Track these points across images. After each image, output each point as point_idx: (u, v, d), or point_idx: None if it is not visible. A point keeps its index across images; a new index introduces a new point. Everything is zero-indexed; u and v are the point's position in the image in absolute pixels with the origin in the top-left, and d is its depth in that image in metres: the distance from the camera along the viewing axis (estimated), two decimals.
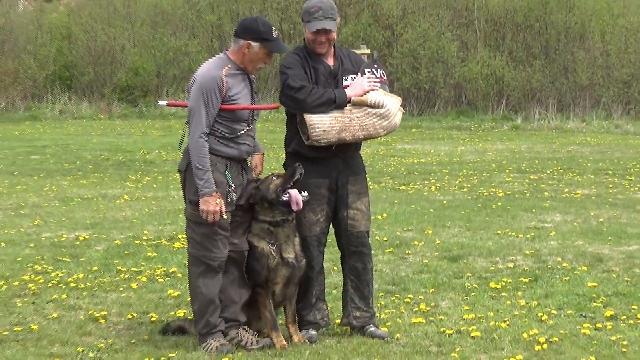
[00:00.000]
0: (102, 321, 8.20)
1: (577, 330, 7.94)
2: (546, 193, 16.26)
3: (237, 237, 7.46)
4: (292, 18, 36.16)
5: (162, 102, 8.98)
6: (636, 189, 16.86)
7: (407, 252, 11.18)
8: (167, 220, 13.11)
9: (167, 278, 9.80)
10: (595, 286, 9.41)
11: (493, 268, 10.36)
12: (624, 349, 7.37)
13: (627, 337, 7.66)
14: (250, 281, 7.53)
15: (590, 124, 31.89)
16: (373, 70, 7.48)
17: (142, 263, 10.41)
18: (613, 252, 11.15)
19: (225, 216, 7.14)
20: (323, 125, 7.21)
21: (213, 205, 7.03)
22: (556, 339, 7.61)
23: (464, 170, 19.41)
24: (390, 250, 11.23)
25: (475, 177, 18.39)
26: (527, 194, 16.19)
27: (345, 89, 7.35)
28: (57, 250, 11.05)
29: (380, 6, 36.37)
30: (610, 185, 17.26)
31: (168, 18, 36.71)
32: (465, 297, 9.15)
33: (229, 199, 7.22)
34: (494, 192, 16.28)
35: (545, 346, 7.49)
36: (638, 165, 20.35)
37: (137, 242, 11.46)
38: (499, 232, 12.42)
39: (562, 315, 8.46)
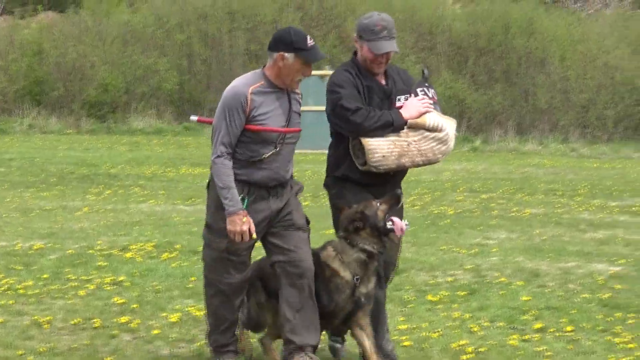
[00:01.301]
0: (47, 326, 8.27)
1: (505, 341, 8.13)
2: (495, 212, 16.40)
3: (289, 245, 6.84)
4: (260, 39, 36.28)
5: (193, 118, 8.65)
6: (582, 209, 17.03)
7: None
8: (122, 232, 13.15)
9: (115, 286, 9.86)
10: (528, 300, 9.63)
11: (433, 282, 10.51)
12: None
13: (553, 348, 7.86)
14: (320, 313, 6.84)
15: (548, 147, 32.07)
16: (425, 89, 6.90)
17: (92, 272, 10.46)
18: (551, 268, 11.33)
19: (254, 236, 6.58)
20: (382, 150, 6.62)
21: (239, 224, 6.48)
22: (483, 349, 7.81)
23: (419, 189, 19.43)
24: None
25: (428, 196, 18.47)
26: (477, 212, 16.35)
27: (400, 111, 6.79)
28: (10, 258, 11.12)
29: (346, 28, 36.56)
30: (558, 205, 17.46)
31: (138, 36, 36.63)
32: (402, 309, 9.24)
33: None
34: (444, 210, 16.39)
35: (472, 355, 7.64)
36: (587, 187, 20.57)
37: (90, 251, 11.53)
38: (443, 247, 12.58)
39: (493, 327, 8.62)
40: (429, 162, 6.83)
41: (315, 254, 6.81)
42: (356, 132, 6.67)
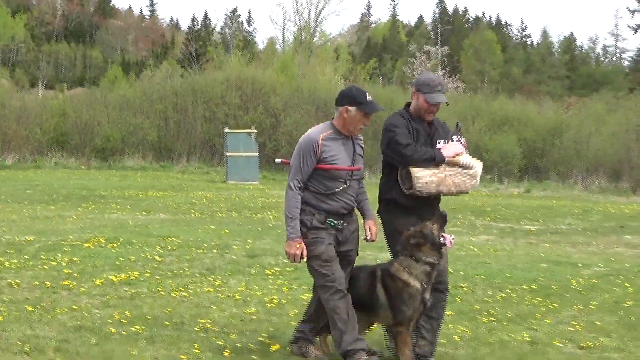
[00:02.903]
0: (16, 286, 8.33)
1: (300, 296, 8.46)
2: None
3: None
4: (212, 108, 36.60)
5: (277, 161, 7.56)
6: None
7: (226, 252, 11.42)
8: (89, 231, 13.07)
9: (70, 263, 9.85)
10: None
11: (274, 262, 10.67)
12: None
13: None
14: (393, 319, 5.82)
15: None
16: (458, 137, 6.20)
17: (58, 255, 10.48)
18: None
19: (304, 260, 5.78)
20: (425, 178, 5.91)
21: (294, 249, 5.73)
22: (284, 302, 8.16)
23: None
24: (216, 250, 11.46)
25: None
26: None
27: (441, 150, 6.06)
28: (9, 246, 11.13)
29: (269, 102, 37.04)
30: None
31: (130, 105, 36.94)
32: (248, 278, 9.48)
33: (336, 239, 5.86)
34: None
35: (274, 305, 7.92)
36: None
37: (62, 242, 11.49)
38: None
39: (299, 289, 8.83)
40: (461, 192, 6.11)
41: (385, 268, 5.91)
42: (407, 162, 5.94)
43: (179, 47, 61.80)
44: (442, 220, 5.93)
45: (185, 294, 8.44)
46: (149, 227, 14.11)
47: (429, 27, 72.22)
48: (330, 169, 5.78)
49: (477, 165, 6.14)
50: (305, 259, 5.79)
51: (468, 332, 7.23)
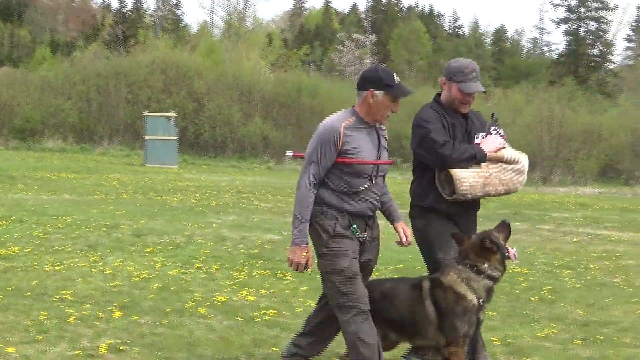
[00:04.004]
0: None
1: (167, 272, 8.80)
2: (242, 204, 16.71)
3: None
4: (135, 91, 36.65)
5: (289, 154, 6.12)
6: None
7: (114, 231, 11.75)
8: None
9: None
10: (207, 251, 10.23)
11: (158, 241, 10.97)
12: None
13: (198, 277, 8.92)
14: (445, 338, 4.96)
15: None
16: (497, 129, 5.48)
17: None
18: (238, 235, 11.87)
19: (309, 270, 5.02)
20: (469, 179, 5.20)
21: (299, 256, 4.89)
22: (152, 276, 8.54)
23: (210, 190, 19.63)
24: (104, 229, 11.76)
25: (208, 194, 18.67)
26: (230, 204, 16.67)
27: (480, 146, 5.34)
28: None
29: (193, 86, 37.25)
30: (284, 202, 17.60)
31: (52, 85, 36.79)
32: (127, 255, 9.84)
33: (360, 248, 5.01)
34: (208, 203, 16.71)
35: (139, 278, 8.27)
36: None
37: None
38: (184, 223, 13.00)
39: (172, 266, 9.19)
40: (509, 192, 5.38)
41: (436, 279, 5.05)
42: (444, 163, 5.21)
43: (107, 29, 61.31)
44: (507, 229, 5.14)
45: (58, 268, 8.84)
46: (46, 207, 14.42)
47: (363, 15, 72.79)
48: (353, 162, 4.87)
49: (523, 159, 5.45)
50: (309, 270, 5.00)
51: (313, 303, 7.78)
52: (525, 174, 5.40)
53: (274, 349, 6.04)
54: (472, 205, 5.47)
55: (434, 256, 5.33)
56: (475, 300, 4.91)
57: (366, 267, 5.12)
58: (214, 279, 8.77)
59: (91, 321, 6.55)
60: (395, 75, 4.96)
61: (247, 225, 13.39)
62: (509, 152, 5.36)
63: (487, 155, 5.27)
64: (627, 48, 73.80)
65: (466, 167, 5.20)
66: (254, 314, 7.16)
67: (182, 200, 17.07)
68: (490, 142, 5.35)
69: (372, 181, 4.95)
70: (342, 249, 4.91)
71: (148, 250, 10.36)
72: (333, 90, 38.61)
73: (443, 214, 5.35)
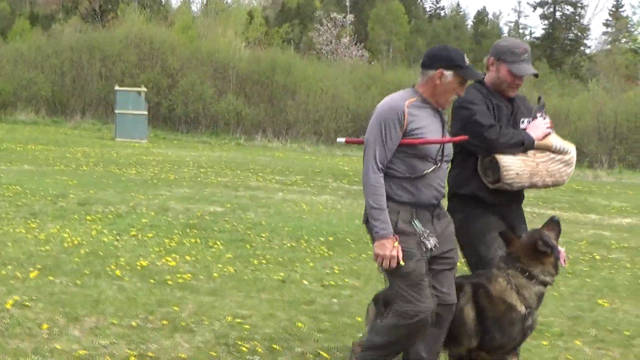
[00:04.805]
0: None
1: (109, 241, 9.10)
2: (199, 178, 16.96)
3: (443, 286, 4.57)
4: (108, 66, 36.73)
5: (341, 140, 5.36)
6: (254, 179, 17.83)
7: (60, 200, 11.97)
8: None
9: None
10: (146, 221, 10.53)
11: (110, 211, 11.27)
12: None
13: (149, 245, 9.29)
14: (479, 342, 4.57)
15: (286, 145, 33.51)
16: (543, 114, 5.07)
17: None
18: (193, 208, 12.19)
19: (402, 263, 4.36)
20: (516, 167, 4.79)
21: (390, 249, 4.32)
22: (91, 246, 9.07)
23: (171, 165, 19.86)
24: (51, 198, 12.01)
25: (168, 168, 18.88)
26: (186, 178, 16.78)
27: (528, 131, 4.94)
28: None
29: (167, 61, 37.40)
30: (241, 177, 18.09)
31: (25, 58, 36.87)
32: (66, 222, 10.06)
33: (423, 248, 4.45)
34: (165, 176, 16.94)
35: (87, 249, 8.83)
36: (276, 169, 21.03)
37: None
38: (133, 194, 13.21)
39: (124, 238, 9.58)
40: (557, 184, 4.99)
41: (482, 286, 4.61)
42: (490, 148, 4.82)
43: (85, 3, 61.12)
44: (557, 227, 4.69)
45: None
46: (0, 176, 14.69)
47: None
48: (420, 143, 4.43)
49: (572, 149, 5.04)
50: (402, 262, 4.39)
51: (232, 269, 8.20)
52: (574, 166, 5.01)
53: (175, 307, 6.42)
54: (517, 194, 5.08)
55: (475, 252, 4.92)
56: (524, 310, 4.49)
57: (446, 260, 4.58)
58: (145, 245, 9.12)
59: (7, 280, 6.89)
60: (465, 56, 4.56)
61: (196, 197, 13.68)
62: (557, 141, 4.98)
63: (535, 142, 4.88)
64: (605, 33, 74.21)
65: (513, 154, 4.82)
66: (168, 277, 7.53)
67: (139, 174, 17.30)
68: (537, 127, 4.96)
69: (437, 164, 4.50)
70: (406, 248, 4.41)
71: (89, 218, 10.64)
72: (308, 69, 38.83)
73: (486, 204, 4.95)
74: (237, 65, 38.02)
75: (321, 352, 5.63)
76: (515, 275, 4.51)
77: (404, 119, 4.41)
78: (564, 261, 4.59)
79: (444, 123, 4.57)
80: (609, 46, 64.34)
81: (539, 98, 5.17)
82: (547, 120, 5.02)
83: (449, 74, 4.46)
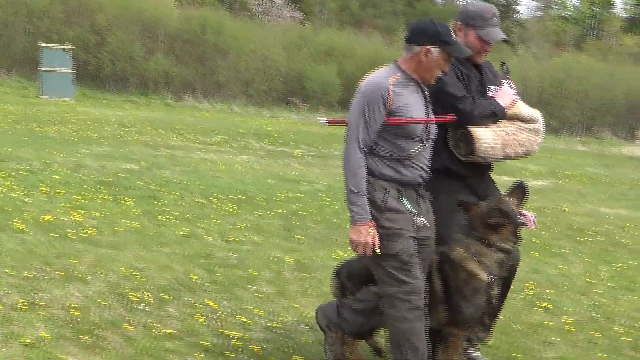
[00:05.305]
0: None
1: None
2: (120, 137, 16.99)
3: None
4: (34, 22, 36.08)
5: (322, 120, 5.01)
6: (175, 139, 18.03)
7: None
8: None
9: None
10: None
11: (14, 167, 11.18)
12: None
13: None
14: (448, 317, 4.51)
15: (215, 106, 33.48)
16: (508, 80, 4.87)
17: None
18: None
19: (378, 250, 4.21)
20: (488, 140, 4.62)
21: (365, 235, 4.20)
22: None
23: (94, 123, 19.70)
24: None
25: (91, 127, 18.70)
26: (108, 136, 16.81)
27: (497, 100, 4.72)
28: None
29: (94, 18, 36.83)
30: (163, 137, 18.17)
31: None
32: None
33: (414, 225, 4.34)
34: (85, 134, 16.87)
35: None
36: (200, 129, 21.17)
37: None
38: (49, 151, 13.15)
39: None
40: (528, 154, 4.82)
41: (444, 254, 4.56)
42: (464, 120, 4.60)
43: None
44: (522, 193, 4.57)
45: None
46: None
47: None
48: (405, 122, 4.27)
49: (540, 117, 4.87)
50: (378, 250, 4.24)
51: (137, 225, 8.40)
52: (543, 134, 4.84)
53: (73, 260, 6.63)
54: (487, 166, 4.91)
55: (448, 227, 4.68)
56: (486, 277, 4.43)
57: (424, 247, 4.44)
58: (53, 201, 9.25)
59: None
60: (452, 31, 4.38)
61: (114, 156, 13.79)
62: (525, 108, 4.80)
63: (506, 111, 4.70)
64: None
65: (485, 125, 4.63)
66: (72, 231, 7.71)
67: (60, 132, 17.24)
68: (506, 95, 4.74)
69: (423, 144, 4.36)
70: (395, 227, 4.28)
71: (0, 174, 10.68)
72: (239, 29, 38.63)
73: (457, 177, 4.76)
74: (167, 24, 37.58)
75: (209, 302, 5.92)
76: (474, 244, 4.47)
77: (389, 98, 4.25)
78: (534, 224, 4.47)
79: (427, 100, 4.41)
80: (540, 12, 65.44)
81: (502, 63, 4.99)
82: (512, 85, 4.84)
83: (435, 50, 4.28)
